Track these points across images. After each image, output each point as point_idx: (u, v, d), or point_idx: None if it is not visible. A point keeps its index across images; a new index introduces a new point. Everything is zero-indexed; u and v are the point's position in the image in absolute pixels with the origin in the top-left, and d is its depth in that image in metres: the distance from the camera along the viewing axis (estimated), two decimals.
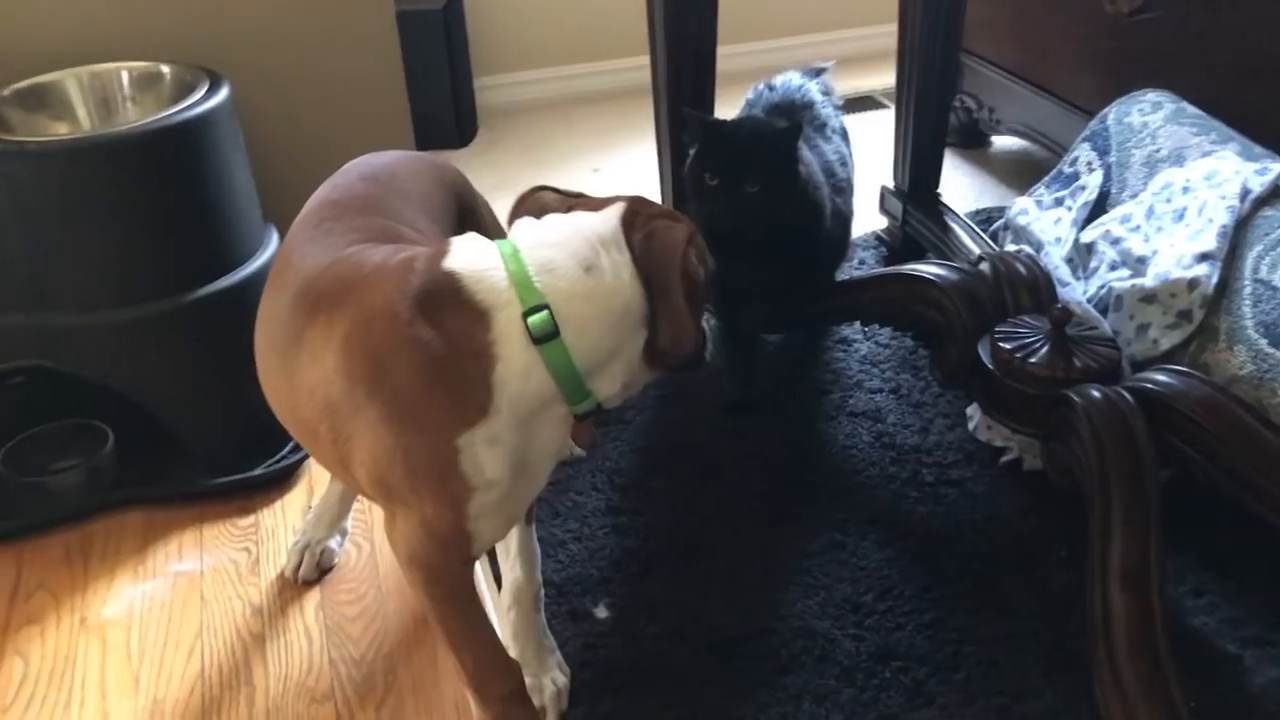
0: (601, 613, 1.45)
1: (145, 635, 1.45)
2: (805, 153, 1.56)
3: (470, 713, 1.32)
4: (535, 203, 1.26)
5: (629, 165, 2.72)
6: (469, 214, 1.39)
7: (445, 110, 2.82)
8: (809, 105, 1.71)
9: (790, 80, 1.76)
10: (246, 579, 1.54)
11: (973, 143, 2.63)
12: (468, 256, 1.09)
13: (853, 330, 1.98)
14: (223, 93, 1.68)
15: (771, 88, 1.75)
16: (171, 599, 1.51)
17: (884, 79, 3.01)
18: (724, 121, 1.58)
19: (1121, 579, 1.21)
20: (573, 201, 1.24)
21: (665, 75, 1.87)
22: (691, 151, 1.57)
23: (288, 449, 1.74)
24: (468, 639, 1.14)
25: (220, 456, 1.70)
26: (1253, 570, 1.44)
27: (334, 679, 1.38)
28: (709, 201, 1.52)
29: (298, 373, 1.12)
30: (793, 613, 1.43)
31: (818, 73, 1.82)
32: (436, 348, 1.04)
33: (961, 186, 2.46)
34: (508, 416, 1.06)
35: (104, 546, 1.60)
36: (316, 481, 1.71)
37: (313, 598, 1.50)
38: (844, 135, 1.76)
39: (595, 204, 1.21)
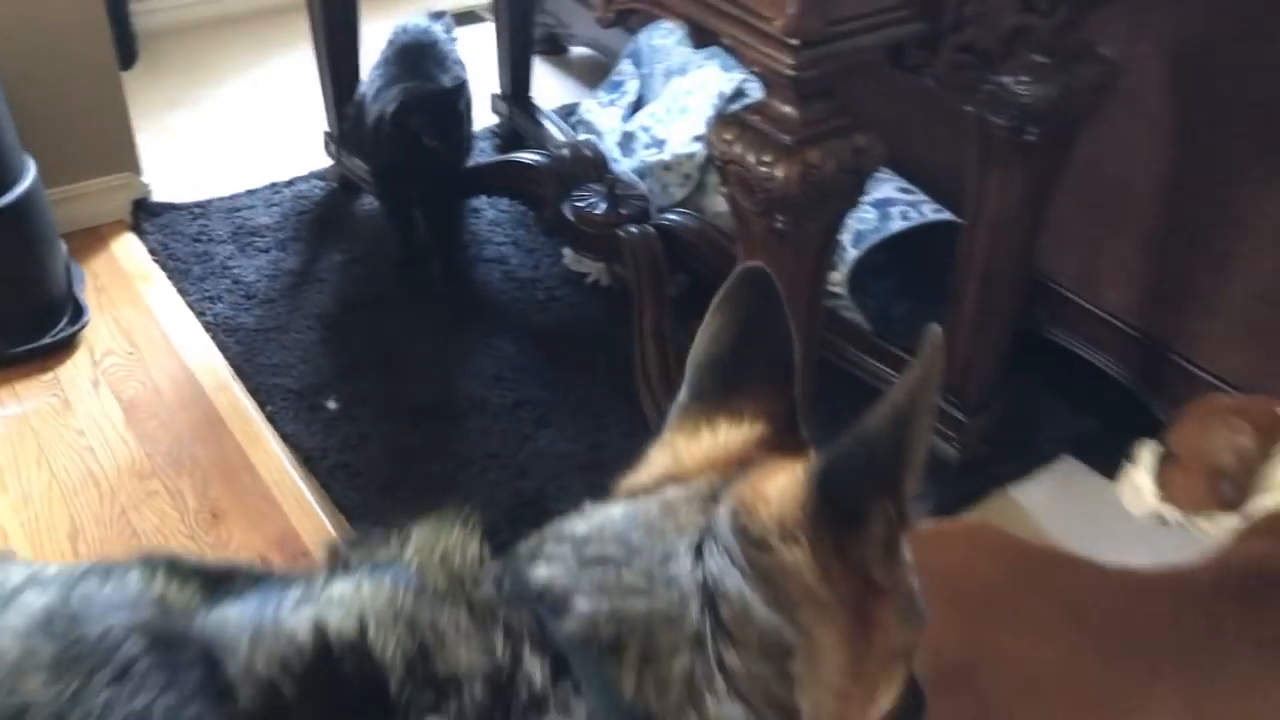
0: (331, 404, 2.16)
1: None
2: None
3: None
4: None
5: (286, 79, 3.29)
6: None
7: None
8: (434, 43, 2.42)
9: (419, 24, 2.45)
10: (63, 414, 2.12)
11: (555, 51, 3.41)
12: None
13: (480, 202, 2.73)
14: None
15: (405, 30, 2.44)
16: (8, 435, 2.07)
17: None
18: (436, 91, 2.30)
19: (651, 335, 2.07)
20: None
21: (319, 3, 2.49)
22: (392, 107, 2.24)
23: (64, 321, 2.29)
24: None
25: (14, 329, 2.23)
26: None
27: (153, 465, 2.01)
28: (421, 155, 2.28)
29: None
30: (461, 387, 2.20)
31: (439, 16, 2.53)
32: None
33: (550, 88, 3.24)
34: None
35: None
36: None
37: (118, 417, 2.11)
38: (462, 65, 2.47)
39: None
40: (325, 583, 0.66)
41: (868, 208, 2.16)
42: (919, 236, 2.18)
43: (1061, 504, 1.97)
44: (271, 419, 2.13)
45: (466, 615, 0.64)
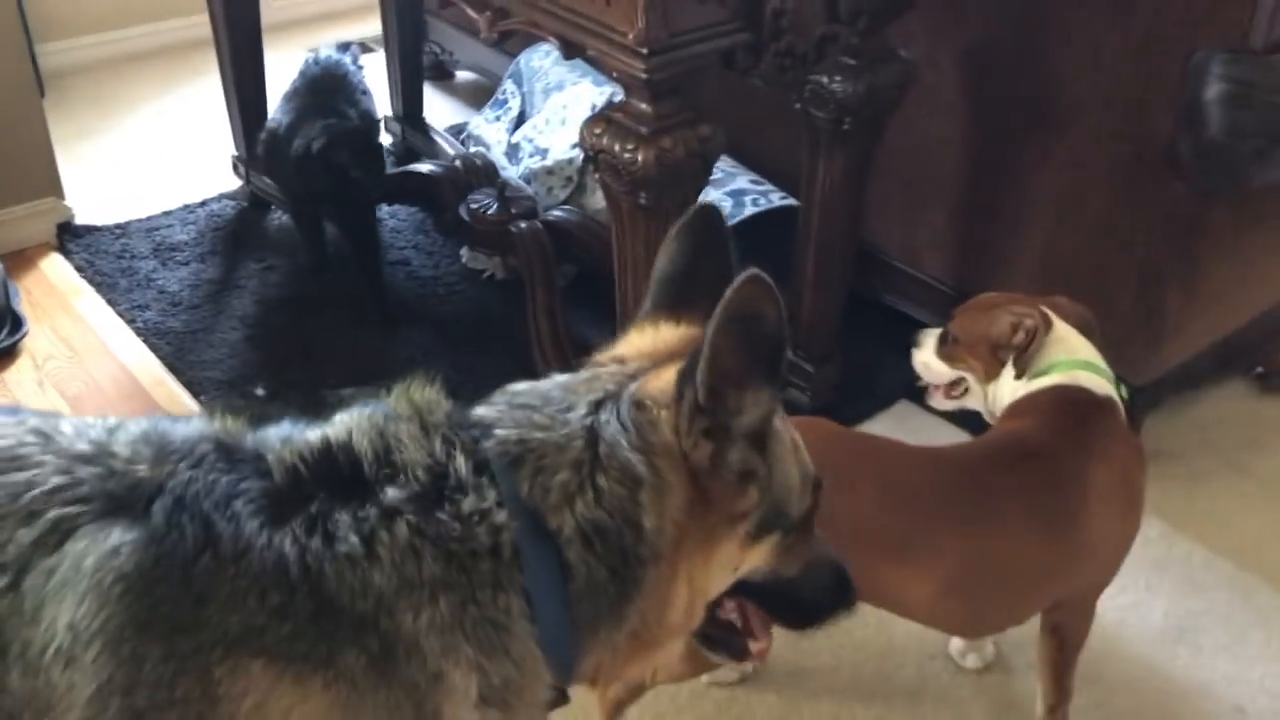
0: (260, 391, 2.42)
1: None
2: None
3: None
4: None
5: (189, 110, 3.53)
6: None
7: None
8: (344, 75, 2.70)
9: (330, 56, 2.73)
10: None
11: (443, 76, 3.71)
12: None
13: (382, 211, 3.00)
14: None
15: (317, 61, 2.71)
16: None
17: (370, 28, 3.97)
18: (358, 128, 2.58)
19: (544, 314, 2.38)
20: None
21: (226, 38, 2.76)
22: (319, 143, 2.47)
23: (5, 332, 2.51)
24: None
25: None
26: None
27: None
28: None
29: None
30: (376, 369, 2.48)
31: (346, 47, 2.81)
32: None
33: (440, 109, 3.53)
34: None
35: None
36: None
37: (66, 411, 2.33)
38: (370, 95, 2.76)
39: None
40: (333, 416, 0.96)
41: (725, 198, 2.51)
42: (774, 227, 2.53)
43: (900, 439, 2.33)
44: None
45: (419, 430, 0.95)
